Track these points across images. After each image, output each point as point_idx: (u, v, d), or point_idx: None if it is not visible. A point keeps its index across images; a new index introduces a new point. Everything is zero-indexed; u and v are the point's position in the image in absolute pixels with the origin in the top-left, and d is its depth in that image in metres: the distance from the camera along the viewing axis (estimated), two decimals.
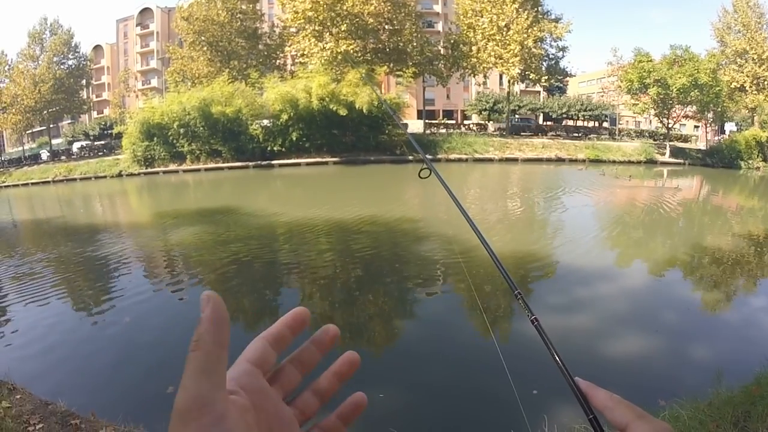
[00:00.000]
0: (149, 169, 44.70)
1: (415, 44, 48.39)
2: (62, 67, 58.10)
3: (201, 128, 43.10)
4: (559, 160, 46.50)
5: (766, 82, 49.91)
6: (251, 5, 53.33)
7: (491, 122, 64.17)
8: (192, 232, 18.00)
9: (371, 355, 8.15)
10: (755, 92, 50.24)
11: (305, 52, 46.24)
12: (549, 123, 65.04)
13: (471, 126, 61.90)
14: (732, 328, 9.14)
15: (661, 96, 45.64)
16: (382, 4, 44.80)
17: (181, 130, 43.55)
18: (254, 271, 12.57)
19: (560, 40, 51.28)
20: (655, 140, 53.81)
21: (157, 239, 17.52)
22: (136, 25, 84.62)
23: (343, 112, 40.51)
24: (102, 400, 6.31)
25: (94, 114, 79.66)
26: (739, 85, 50.62)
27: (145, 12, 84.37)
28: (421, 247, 14.62)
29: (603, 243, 15.96)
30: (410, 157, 41.54)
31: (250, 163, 43.20)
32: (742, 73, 50.59)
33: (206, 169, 43.35)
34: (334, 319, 9.60)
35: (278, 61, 55.96)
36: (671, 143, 50.22)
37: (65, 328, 9.17)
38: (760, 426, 4.26)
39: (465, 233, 14.00)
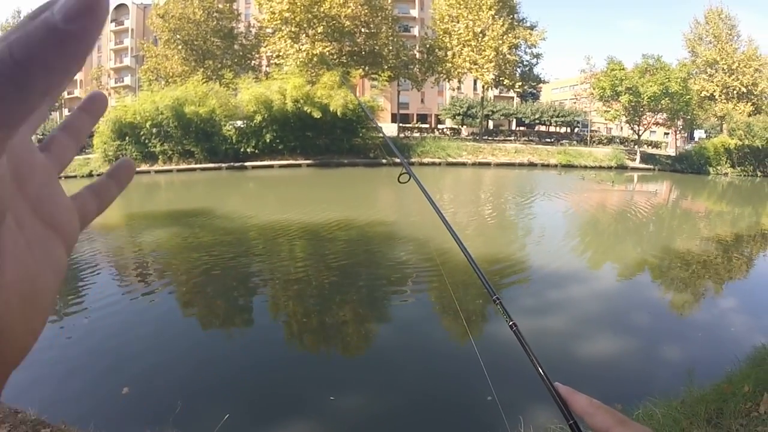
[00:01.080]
0: None
1: (390, 48, 48.53)
2: None
3: (174, 128, 42.58)
4: (532, 165, 46.94)
5: (735, 92, 51.06)
6: (228, 4, 52.85)
7: (465, 127, 64.57)
8: (163, 236, 17.81)
9: (347, 360, 8.18)
10: (724, 101, 51.41)
11: (281, 54, 46.10)
12: (521, 128, 65.58)
13: (445, 130, 62.26)
14: (702, 328, 9.33)
15: (633, 103, 46.41)
16: (359, 7, 44.83)
17: (154, 130, 42.96)
18: (226, 276, 12.48)
19: (535, 47, 51.92)
20: (625, 146, 54.60)
21: (127, 242, 17.29)
22: (111, 21, 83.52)
23: (317, 114, 40.32)
24: (73, 408, 6.26)
25: (66, 111, 78.49)
26: (708, 94, 51.79)
27: (120, 8, 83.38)
28: (395, 251, 14.67)
29: (579, 247, 16.18)
30: (384, 161, 41.69)
31: (223, 165, 42.78)
32: (712, 82, 51.72)
33: (178, 170, 42.84)
34: (309, 324, 9.62)
35: (253, 61, 55.61)
36: (641, 149, 50.97)
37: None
38: (732, 423, 4.36)
39: (439, 236, 14.11)
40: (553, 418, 4.78)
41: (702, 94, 51.41)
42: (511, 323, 1.16)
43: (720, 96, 51.58)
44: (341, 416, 6.36)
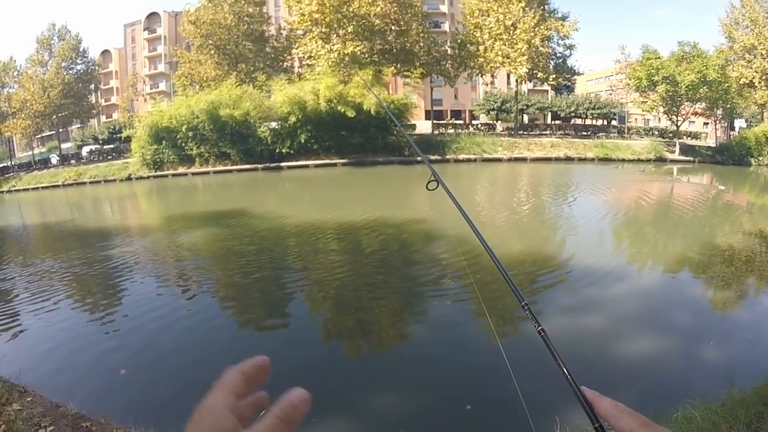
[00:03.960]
0: (158, 173, 44.88)
1: (422, 44, 48.43)
2: (71, 72, 58.63)
3: (209, 131, 43.25)
4: (568, 159, 46.39)
5: None
6: (258, 8, 53.41)
7: (499, 122, 64.15)
8: (202, 238, 17.99)
9: (382, 359, 8.13)
10: (764, 88, 49.99)
11: (312, 54, 46.33)
12: (557, 122, 64.91)
13: (479, 126, 61.89)
14: (744, 328, 9.04)
15: (670, 93, 45.55)
16: (389, 5, 44.87)
17: (190, 134, 43.74)
18: (264, 276, 12.52)
19: (567, 38, 51.17)
20: (664, 138, 53.67)
21: (168, 244, 17.45)
22: (144, 30, 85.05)
23: (350, 113, 40.49)
24: (112, 403, 6.31)
25: (103, 118, 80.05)
26: (748, 81, 50.38)
27: (153, 16, 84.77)
28: (431, 251, 14.51)
29: (618, 243, 15.95)
30: (418, 158, 41.63)
31: (259, 166, 43.31)
32: (751, 68, 50.32)
33: (215, 172, 43.48)
34: (345, 324, 9.59)
35: (285, 63, 56.09)
36: (680, 141, 50.05)
37: (75, 332, 9.17)
38: None
39: (475, 237, 13.99)
40: (579, 422, 4.67)
41: (741, 81, 50.08)
42: (539, 328, 1.13)
43: (760, 83, 50.21)
44: (373, 414, 6.33)
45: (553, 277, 11.96)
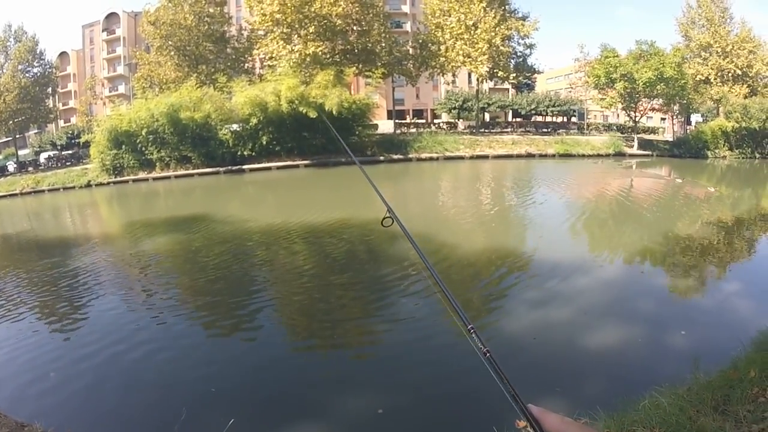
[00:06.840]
0: (118, 178, 44.09)
1: (383, 44, 48.51)
2: (27, 75, 57.12)
3: (170, 135, 42.60)
4: (530, 156, 46.85)
5: (730, 74, 51.12)
6: (219, 8, 52.80)
7: (461, 120, 64.52)
8: (163, 243, 17.83)
9: (350, 360, 8.14)
10: (719, 84, 51.53)
11: (274, 55, 46.04)
12: (518, 119, 65.52)
13: (441, 125, 62.28)
14: (707, 314, 9.27)
15: (628, 90, 46.35)
16: (350, 5, 44.72)
17: (150, 137, 42.98)
18: (228, 281, 12.43)
19: (527, 37, 51.78)
20: (622, 133, 54.55)
21: (128, 252, 17.22)
22: (102, 31, 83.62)
23: (312, 114, 40.21)
24: (79, 421, 6.25)
25: (61, 123, 78.51)
26: (703, 78, 51.90)
27: (112, 17, 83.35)
28: (395, 250, 14.52)
29: (582, 236, 16.18)
30: (381, 158, 41.75)
31: (221, 169, 42.82)
32: (707, 65, 51.83)
33: (176, 176, 42.84)
34: (311, 327, 9.58)
35: (246, 64, 55.56)
36: (639, 136, 50.96)
37: (39, 348, 8.97)
38: (740, 409, 4.27)
39: (439, 234, 14.13)
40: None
41: (697, 78, 51.51)
42: (485, 350, 1.15)
43: (715, 79, 51.66)
44: (345, 417, 6.34)
45: (519, 269, 12.14)
